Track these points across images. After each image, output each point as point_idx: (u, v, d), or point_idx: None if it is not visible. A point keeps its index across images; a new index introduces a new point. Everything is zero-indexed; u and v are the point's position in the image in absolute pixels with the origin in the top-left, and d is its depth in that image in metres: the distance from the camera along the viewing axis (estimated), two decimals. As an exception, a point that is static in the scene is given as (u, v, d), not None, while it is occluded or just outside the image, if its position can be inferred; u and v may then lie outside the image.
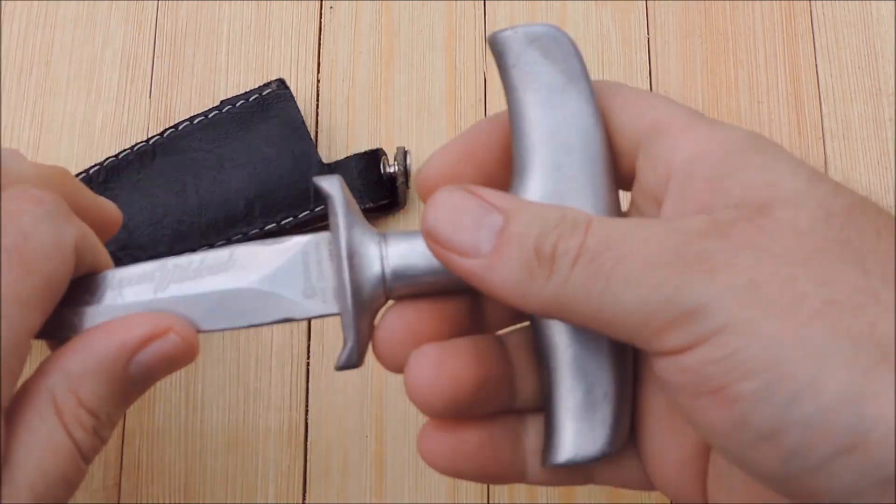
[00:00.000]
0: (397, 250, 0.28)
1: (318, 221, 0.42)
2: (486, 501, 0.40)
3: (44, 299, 0.25)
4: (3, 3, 0.48)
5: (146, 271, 0.28)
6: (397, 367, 0.28)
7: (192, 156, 0.43)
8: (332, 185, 0.28)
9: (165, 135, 0.43)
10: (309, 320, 0.29)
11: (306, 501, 0.41)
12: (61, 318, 0.27)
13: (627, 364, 0.28)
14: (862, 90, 0.46)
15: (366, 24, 0.47)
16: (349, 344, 0.28)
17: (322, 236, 0.28)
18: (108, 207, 0.31)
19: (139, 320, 0.27)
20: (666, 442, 0.28)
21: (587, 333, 0.27)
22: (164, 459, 0.41)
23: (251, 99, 0.44)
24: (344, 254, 0.27)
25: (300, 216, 0.42)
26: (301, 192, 0.42)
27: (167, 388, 0.42)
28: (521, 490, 0.40)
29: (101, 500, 0.40)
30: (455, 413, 0.28)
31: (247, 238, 0.41)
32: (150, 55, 0.47)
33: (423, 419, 0.41)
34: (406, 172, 0.43)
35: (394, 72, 0.46)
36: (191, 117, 0.44)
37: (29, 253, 0.25)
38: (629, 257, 0.23)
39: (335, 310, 0.28)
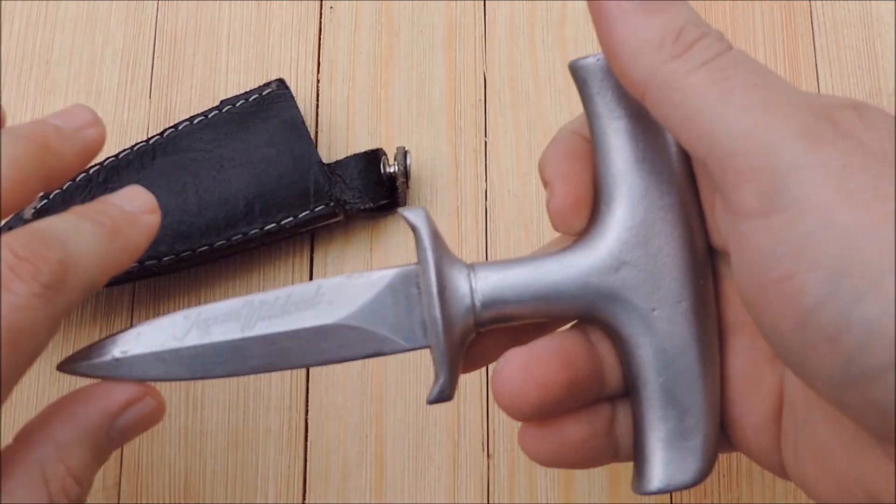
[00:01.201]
0: (487, 282, 0.28)
1: (317, 221, 0.42)
2: (486, 501, 0.40)
3: (22, 372, 0.25)
4: (3, 3, 0.48)
5: (232, 308, 0.28)
6: (516, 410, 0.28)
7: (192, 156, 0.42)
8: (417, 217, 0.28)
9: (165, 135, 0.43)
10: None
11: (306, 501, 0.41)
12: (145, 360, 0.28)
13: (717, 385, 0.28)
14: (862, 90, 0.46)
15: (366, 24, 0.47)
16: (441, 379, 0.28)
17: (410, 270, 0.28)
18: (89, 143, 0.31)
19: (117, 387, 0.28)
20: (745, 406, 0.28)
21: (679, 361, 0.27)
22: (164, 459, 0.41)
23: (251, 99, 0.44)
24: (434, 290, 0.27)
25: (300, 216, 0.42)
26: (301, 192, 0.42)
27: (167, 388, 0.42)
28: (521, 490, 0.41)
29: (101, 500, 0.40)
30: (546, 415, 0.28)
31: (246, 238, 0.41)
32: (150, 55, 0.47)
33: (422, 419, 0.41)
34: (406, 172, 0.43)
35: (394, 72, 0.46)
36: (191, 117, 0.44)
37: (16, 332, 0.25)
38: (756, 89, 0.23)
39: (425, 343, 0.28)
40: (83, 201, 0.42)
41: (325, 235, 0.44)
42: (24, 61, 0.47)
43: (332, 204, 0.42)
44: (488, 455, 0.41)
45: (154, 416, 0.28)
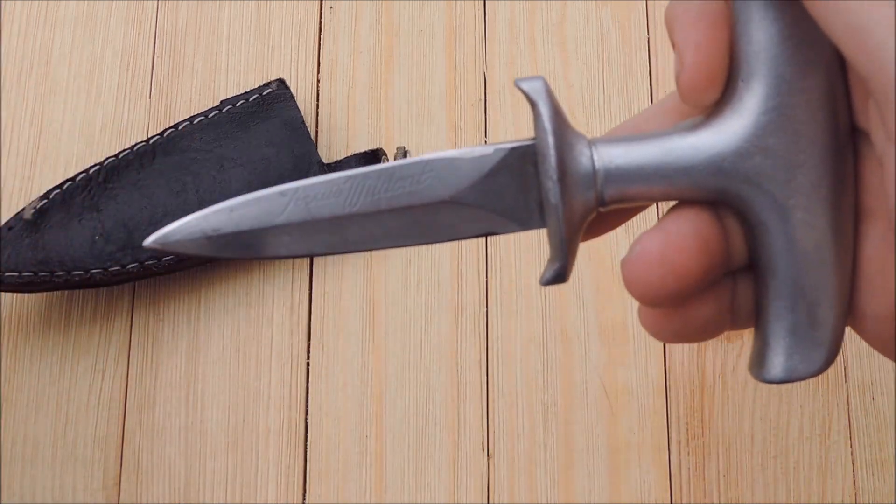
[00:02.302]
0: (611, 163, 0.26)
1: (318, 221, 0.42)
2: (486, 501, 0.40)
3: None
4: (3, 3, 0.48)
5: (334, 184, 0.26)
6: (650, 299, 0.26)
7: (192, 156, 0.42)
8: (536, 91, 0.26)
9: (165, 135, 0.43)
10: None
11: (306, 501, 0.41)
12: (241, 237, 0.26)
13: (849, 276, 0.27)
14: (862, 90, 0.46)
15: (366, 24, 0.47)
16: (558, 263, 0.26)
17: (527, 146, 0.26)
18: None
19: None
20: (870, 295, 0.27)
21: (814, 252, 0.26)
22: (164, 459, 0.41)
23: (251, 99, 0.44)
24: (555, 175, 0.25)
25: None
26: (301, 191, 0.42)
27: (167, 387, 0.42)
28: (521, 490, 0.40)
29: (101, 500, 0.40)
30: (680, 301, 0.27)
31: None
32: (150, 55, 0.47)
33: (422, 419, 0.41)
34: (406, 172, 0.43)
35: (394, 72, 0.46)
36: (191, 117, 0.44)
37: None
38: None
39: (542, 225, 0.26)
40: (83, 201, 0.42)
41: (325, 235, 0.44)
42: (24, 61, 0.47)
43: (332, 204, 0.42)
44: (488, 455, 0.41)
45: None
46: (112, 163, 0.43)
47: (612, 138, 0.26)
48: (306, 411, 0.42)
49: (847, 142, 0.27)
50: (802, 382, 0.41)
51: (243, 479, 0.41)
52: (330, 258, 0.44)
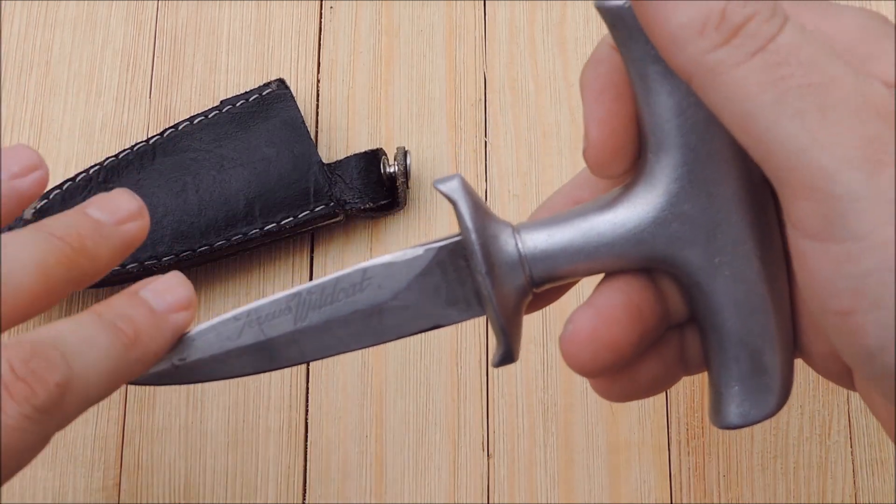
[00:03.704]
0: (536, 248, 0.27)
1: (318, 221, 0.42)
2: (486, 501, 0.40)
3: None
4: (3, 3, 0.48)
5: (281, 303, 0.28)
6: (588, 373, 0.27)
7: (192, 156, 0.43)
8: (453, 189, 0.27)
9: (165, 135, 0.43)
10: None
11: (306, 501, 0.41)
12: (205, 364, 0.28)
13: (788, 316, 0.27)
14: (862, 90, 0.46)
15: (366, 24, 0.47)
16: (503, 348, 0.27)
17: (455, 243, 0.27)
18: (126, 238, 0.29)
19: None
20: (813, 335, 0.27)
21: (748, 301, 0.26)
22: (164, 459, 0.41)
23: (251, 99, 0.44)
24: (483, 269, 0.26)
25: (300, 216, 0.42)
26: (301, 192, 0.42)
27: (167, 388, 0.42)
28: (521, 490, 0.41)
29: (101, 500, 0.40)
30: (620, 368, 0.27)
31: (246, 238, 0.41)
32: (150, 55, 0.47)
33: (422, 419, 0.41)
34: (406, 172, 0.43)
35: (394, 72, 0.46)
36: (191, 117, 0.44)
37: (3, 455, 0.24)
38: (811, 91, 0.20)
39: (481, 314, 0.28)
40: (83, 201, 0.42)
41: (325, 235, 0.44)
42: (24, 61, 0.47)
43: (332, 204, 0.42)
44: (488, 455, 0.41)
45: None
46: (112, 163, 0.43)
47: (535, 223, 0.27)
48: (306, 411, 0.42)
49: (765, 190, 0.26)
50: (802, 383, 0.41)
51: (243, 479, 0.41)
52: (331, 258, 0.44)
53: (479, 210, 0.27)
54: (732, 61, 0.21)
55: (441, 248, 0.28)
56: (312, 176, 0.42)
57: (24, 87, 0.46)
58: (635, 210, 0.26)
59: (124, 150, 0.43)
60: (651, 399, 0.41)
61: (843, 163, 0.20)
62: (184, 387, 0.42)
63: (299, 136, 0.43)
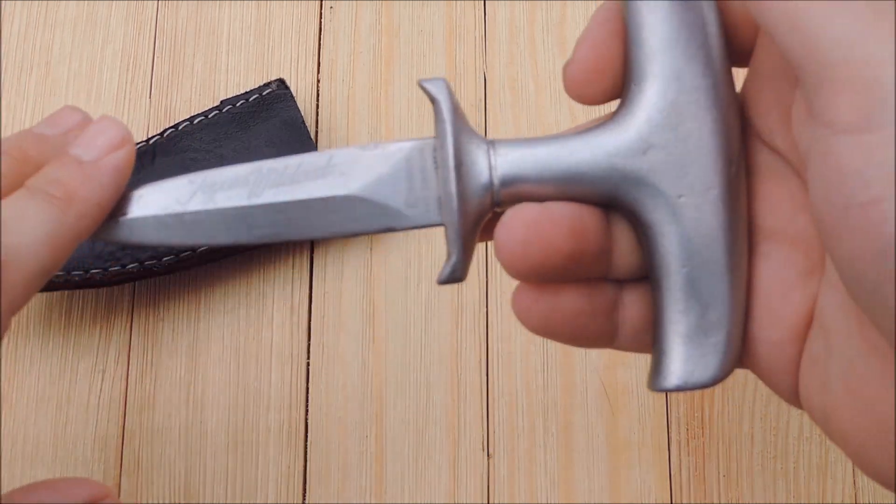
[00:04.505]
0: (507, 158, 0.26)
1: (318, 221, 0.42)
2: (486, 501, 0.40)
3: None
4: (3, 3, 0.48)
5: (239, 175, 0.27)
6: (513, 266, 0.26)
7: (192, 156, 0.42)
8: (438, 89, 0.26)
9: (165, 135, 0.43)
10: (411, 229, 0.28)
11: (306, 501, 0.41)
12: (147, 224, 0.27)
13: (744, 281, 0.27)
14: (862, 90, 0.46)
15: (366, 24, 0.47)
16: (454, 258, 0.26)
17: (427, 142, 0.27)
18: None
19: (80, 485, 0.28)
20: (765, 320, 0.27)
21: (705, 252, 0.26)
22: (164, 459, 0.41)
23: (251, 99, 0.44)
24: (451, 163, 0.26)
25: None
26: (301, 192, 0.42)
27: (167, 388, 0.42)
28: (521, 490, 0.41)
29: (101, 500, 0.40)
30: (544, 280, 0.27)
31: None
32: (150, 55, 0.47)
33: (422, 419, 0.41)
34: (406, 172, 0.43)
35: (394, 72, 0.46)
36: (191, 117, 0.44)
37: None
38: None
39: (439, 220, 0.27)
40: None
41: (325, 235, 0.44)
42: (24, 61, 0.47)
43: (332, 204, 0.42)
44: (488, 455, 0.41)
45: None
46: (112, 163, 0.43)
47: (513, 140, 0.27)
48: (306, 411, 0.42)
49: (740, 148, 0.27)
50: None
51: (243, 479, 0.41)
52: (331, 258, 0.44)
53: (459, 115, 0.27)
54: None
55: (413, 146, 0.27)
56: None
57: (24, 87, 0.46)
58: (613, 134, 0.26)
59: (124, 150, 0.43)
60: (651, 399, 0.41)
61: (892, 54, 0.20)
62: (184, 387, 0.42)
63: (299, 136, 0.43)
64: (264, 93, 0.44)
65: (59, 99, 0.46)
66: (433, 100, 0.26)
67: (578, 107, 0.46)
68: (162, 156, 0.43)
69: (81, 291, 0.43)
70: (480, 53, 0.46)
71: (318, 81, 0.46)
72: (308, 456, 0.41)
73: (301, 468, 0.41)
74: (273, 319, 0.43)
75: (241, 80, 0.46)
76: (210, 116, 0.43)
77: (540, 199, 0.27)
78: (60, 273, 0.40)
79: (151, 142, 0.43)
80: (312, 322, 0.43)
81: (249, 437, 0.41)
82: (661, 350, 0.27)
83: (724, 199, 0.26)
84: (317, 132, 0.45)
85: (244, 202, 0.27)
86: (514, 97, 0.46)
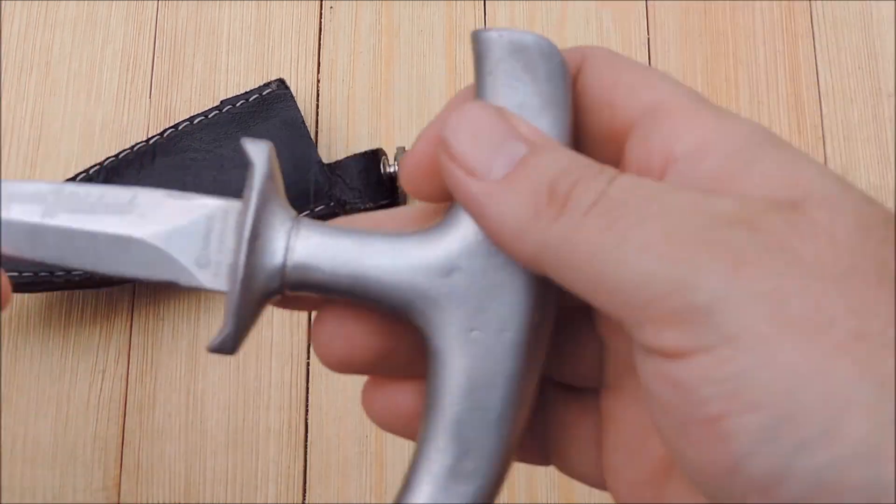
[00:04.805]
0: (308, 243, 0.25)
1: (318, 221, 0.42)
2: (486, 501, 0.40)
3: None
4: (3, 3, 0.48)
5: (39, 191, 0.26)
6: (329, 365, 0.26)
7: (192, 156, 0.42)
8: (257, 152, 0.26)
9: (165, 135, 0.43)
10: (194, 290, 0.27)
11: (306, 501, 0.41)
12: None
13: (516, 437, 0.25)
14: (862, 90, 0.46)
15: (366, 24, 0.47)
16: (227, 330, 0.25)
17: (234, 205, 0.26)
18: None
19: None
20: (623, 459, 0.25)
21: (482, 397, 0.24)
22: (164, 459, 0.41)
23: (251, 99, 0.44)
24: (247, 235, 0.25)
25: (301, 216, 0.42)
26: (301, 192, 0.42)
27: (167, 388, 0.42)
28: (521, 490, 0.40)
29: (101, 500, 0.40)
30: (357, 373, 0.26)
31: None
32: (150, 55, 0.47)
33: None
34: (406, 172, 0.43)
35: (394, 72, 0.46)
36: (191, 117, 0.44)
37: None
38: (651, 220, 0.20)
39: (223, 288, 0.25)
40: (83, 201, 0.42)
41: (325, 235, 0.44)
42: (24, 61, 0.47)
43: (332, 204, 0.42)
44: (488, 455, 0.41)
45: None
46: (112, 163, 0.43)
47: (320, 224, 0.25)
48: (306, 411, 0.42)
49: (554, 299, 0.25)
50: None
51: (243, 479, 0.41)
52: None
53: (272, 185, 0.26)
54: (571, 226, 0.21)
55: (219, 205, 0.26)
56: (312, 176, 0.42)
57: (24, 87, 0.46)
58: (422, 246, 0.25)
59: (124, 151, 0.43)
60: (651, 399, 0.41)
61: (700, 269, 0.19)
62: (184, 387, 0.42)
63: (299, 136, 0.43)
64: (264, 93, 0.44)
65: (59, 99, 0.46)
66: (248, 163, 0.25)
67: (578, 107, 0.46)
68: (162, 156, 0.43)
69: (81, 291, 0.43)
70: (480, 53, 0.46)
71: (318, 81, 0.46)
72: (308, 456, 0.41)
73: (301, 468, 0.41)
74: (273, 319, 0.43)
75: (241, 80, 0.46)
76: (210, 116, 0.43)
77: (330, 292, 0.25)
78: (60, 273, 0.40)
79: (151, 142, 0.43)
80: (313, 322, 0.43)
81: (249, 436, 0.41)
82: (408, 482, 0.25)
83: (518, 345, 0.24)
84: (317, 132, 0.45)
85: (36, 220, 0.25)
86: (514, 97, 0.46)
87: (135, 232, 0.26)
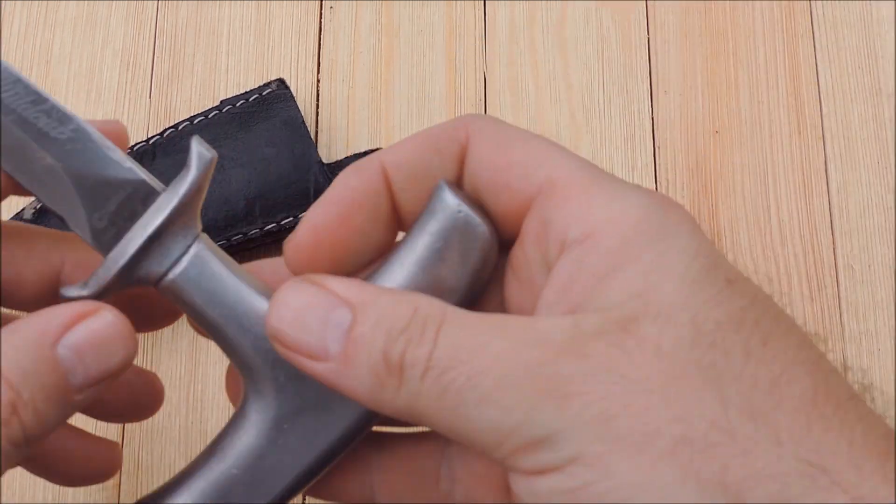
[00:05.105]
0: (195, 263, 0.25)
1: (318, 221, 0.42)
2: (486, 501, 0.40)
3: None
4: (3, 3, 0.48)
5: None
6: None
7: (192, 156, 0.43)
8: (200, 162, 0.25)
9: (165, 135, 0.43)
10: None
11: (306, 501, 0.41)
12: None
13: None
14: (862, 90, 0.46)
15: (366, 24, 0.47)
16: (85, 292, 0.25)
17: (154, 190, 0.26)
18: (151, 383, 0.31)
19: (68, 306, 0.25)
20: (472, 480, 0.28)
21: (265, 475, 0.26)
22: (164, 459, 0.41)
23: (251, 99, 0.44)
24: (149, 231, 0.25)
25: (300, 216, 0.41)
26: (301, 192, 0.42)
27: (167, 388, 0.42)
28: (521, 490, 0.40)
29: (101, 500, 0.40)
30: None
31: (246, 238, 0.41)
32: (150, 55, 0.47)
33: (423, 419, 0.41)
34: (406, 172, 0.43)
35: (394, 72, 0.46)
36: (191, 117, 0.44)
37: None
38: (481, 374, 0.22)
39: (102, 254, 0.26)
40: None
41: (325, 235, 0.44)
42: (24, 61, 0.47)
43: (332, 204, 0.42)
44: (488, 455, 0.41)
45: (112, 339, 0.25)
46: (112, 163, 0.43)
47: (221, 257, 0.26)
48: (306, 411, 0.42)
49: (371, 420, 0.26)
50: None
51: (243, 479, 0.41)
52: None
53: (198, 197, 0.26)
54: (413, 392, 0.22)
55: (144, 181, 0.26)
56: (312, 176, 0.42)
57: (24, 87, 0.46)
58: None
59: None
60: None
61: (534, 411, 0.21)
62: (184, 387, 0.42)
63: (299, 136, 0.43)
64: (264, 93, 0.44)
65: (59, 99, 0.46)
66: (189, 165, 0.25)
67: (578, 108, 0.46)
68: (162, 156, 0.43)
69: (81, 291, 0.43)
70: (480, 53, 0.46)
71: (318, 81, 0.46)
72: (308, 456, 0.41)
73: (301, 468, 0.41)
74: (273, 319, 0.43)
75: (241, 80, 0.46)
76: (210, 116, 0.43)
77: (194, 311, 0.26)
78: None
79: (151, 142, 0.43)
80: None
81: (249, 437, 0.41)
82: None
83: (321, 458, 0.27)
84: (317, 132, 0.45)
85: None
86: (513, 97, 0.46)
87: (57, 159, 0.26)
